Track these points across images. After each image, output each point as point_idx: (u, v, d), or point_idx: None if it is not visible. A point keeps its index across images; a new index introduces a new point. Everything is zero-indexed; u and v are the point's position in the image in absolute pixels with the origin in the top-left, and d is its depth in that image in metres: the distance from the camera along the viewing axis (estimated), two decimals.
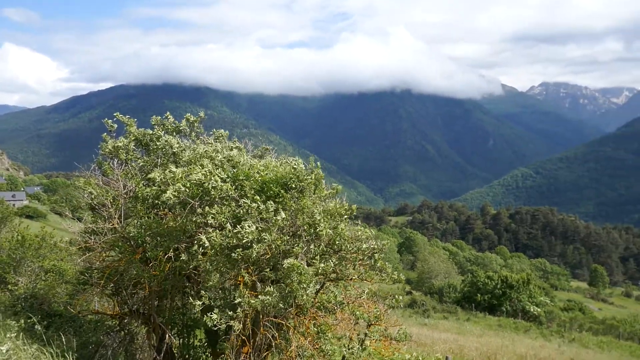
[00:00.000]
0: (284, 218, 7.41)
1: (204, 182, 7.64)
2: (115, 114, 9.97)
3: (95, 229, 8.97)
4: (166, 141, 9.36)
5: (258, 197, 7.49)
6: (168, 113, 10.34)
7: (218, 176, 7.77)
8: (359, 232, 8.13)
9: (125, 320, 9.97)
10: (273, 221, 7.33)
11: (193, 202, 7.71)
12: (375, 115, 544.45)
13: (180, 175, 7.80)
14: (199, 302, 7.38)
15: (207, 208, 7.57)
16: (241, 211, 7.57)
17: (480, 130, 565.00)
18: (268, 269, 7.72)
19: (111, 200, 8.99)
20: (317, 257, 7.67)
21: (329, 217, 7.98)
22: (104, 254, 9.12)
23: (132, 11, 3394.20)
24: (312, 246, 7.81)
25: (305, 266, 7.21)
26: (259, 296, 7.23)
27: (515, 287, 45.53)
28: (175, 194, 7.61)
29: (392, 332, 8.51)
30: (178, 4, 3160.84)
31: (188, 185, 7.69)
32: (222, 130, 10.21)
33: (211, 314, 7.20)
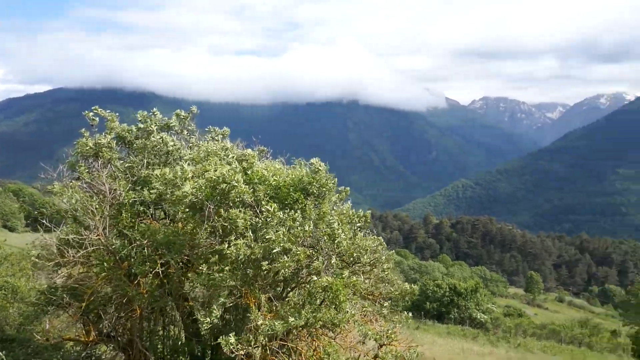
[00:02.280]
0: (310, 229, 6.55)
1: (224, 182, 6.54)
2: (94, 108, 8.65)
3: (75, 240, 7.67)
4: (161, 138, 8.19)
5: (274, 204, 6.58)
6: (155, 109, 9.16)
7: (239, 176, 6.69)
8: (373, 242, 7.38)
9: (98, 347, 8.78)
10: (299, 232, 6.43)
11: (208, 204, 6.63)
12: (323, 125, 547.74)
13: (191, 174, 6.68)
14: (207, 320, 6.56)
15: (225, 212, 6.45)
16: (260, 220, 6.59)
17: (424, 142, 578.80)
18: (288, 287, 6.89)
19: (96, 207, 7.71)
20: (346, 272, 6.88)
21: (347, 225, 7.19)
22: (81, 270, 7.94)
23: (77, 12, 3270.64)
24: (333, 260, 6.87)
25: (338, 283, 6.40)
26: (285, 317, 6.30)
27: (463, 295, 46.80)
28: (194, 190, 6.55)
29: (400, 351, 7.63)
30: (125, 6, 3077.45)
31: (203, 184, 6.61)
32: (226, 128, 9.06)
33: (226, 336, 6.24)
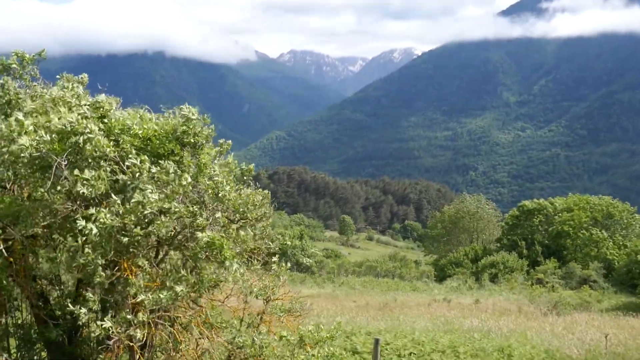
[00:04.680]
0: (189, 182, 5.87)
1: (74, 133, 5.48)
2: None
3: None
4: (5, 86, 6.70)
5: (145, 157, 5.78)
6: None
7: (93, 125, 5.66)
8: (257, 196, 6.92)
9: None
10: (176, 187, 5.76)
11: (58, 160, 5.52)
12: (127, 79, 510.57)
13: (31, 127, 5.37)
14: (83, 310, 5.57)
15: (77, 172, 5.42)
16: (126, 177, 5.75)
17: (236, 96, 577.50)
18: (169, 249, 6.24)
19: None
20: (233, 226, 6.47)
21: (230, 179, 6.66)
22: None
23: None
24: (218, 215, 6.37)
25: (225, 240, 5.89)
26: (170, 287, 5.70)
27: (290, 244, 48.93)
28: (35, 144, 5.32)
29: (287, 304, 7.66)
30: None
31: (47, 135, 5.43)
32: (85, 74, 7.48)
33: (99, 321, 5.51)
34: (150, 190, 5.54)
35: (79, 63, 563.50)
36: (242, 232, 6.55)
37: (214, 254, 5.80)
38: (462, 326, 18.20)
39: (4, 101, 6.71)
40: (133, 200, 5.52)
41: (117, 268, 5.94)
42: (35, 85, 7.24)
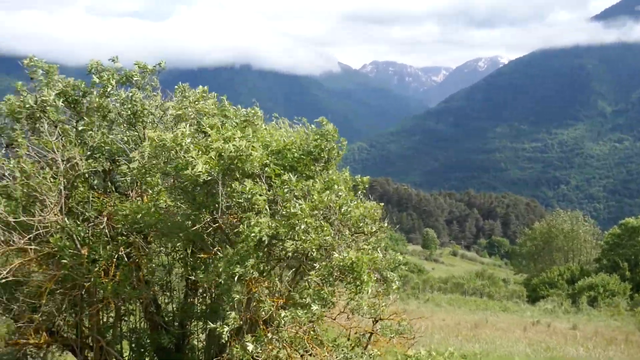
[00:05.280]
0: (330, 199, 5.79)
1: (240, 156, 5.59)
2: (30, 56, 7.19)
3: (18, 221, 6.28)
4: (132, 97, 6.78)
5: (284, 172, 5.82)
6: (117, 56, 7.62)
7: (257, 144, 5.82)
8: (377, 210, 6.70)
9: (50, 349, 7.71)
10: (317, 203, 5.66)
11: (217, 179, 5.62)
12: (217, 91, 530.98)
13: (214, 140, 5.51)
14: (226, 329, 5.45)
15: (237, 185, 5.50)
16: (277, 192, 5.78)
17: (319, 106, 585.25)
18: (306, 267, 6.07)
19: (51, 181, 6.43)
20: (367, 246, 6.27)
21: (351, 193, 6.54)
22: (26, 258, 6.56)
23: None
24: (347, 232, 6.24)
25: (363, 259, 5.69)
26: (307, 305, 5.68)
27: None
28: (207, 167, 5.54)
29: (394, 325, 7.35)
30: None
31: (215, 157, 5.61)
32: (202, 87, 7.74)
33: (241, 343, 5.37)
34: (301, 205, 5.57)
35: (174, 76, 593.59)
36: (375, 252, 6.43)
37: (353, 275, 5.64)
38: (566, 354, 17.22)
39: (129, 112, 6.94)
40: (290, 211, 5.54)
41: (248, 284, 5.91)
42: (155, 95, 7.58)
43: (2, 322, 8.69)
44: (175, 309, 7.93)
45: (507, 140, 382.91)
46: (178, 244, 6.72)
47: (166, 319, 8.08)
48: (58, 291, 6.88)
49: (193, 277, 7.00)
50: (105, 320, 8.11)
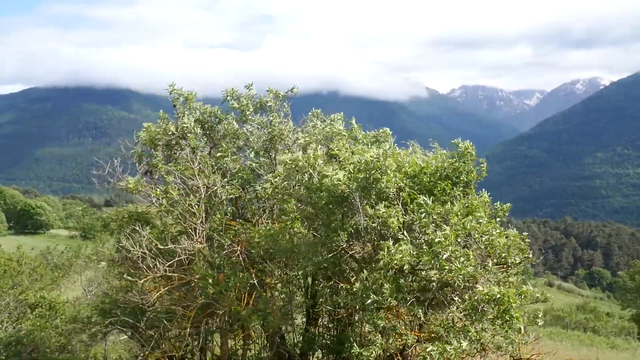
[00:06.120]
0: (472, 225, 5.35)
1: (374, 168, 5.27)
2: (170, 84, 7.53)
3: (158, 248, 6.37)
4: (275, 122, 6.71)
5: (428, 197, 5.41)
6: (252, 82, 7.81)
7: (391, 160, 5.45)
8: (524, 240, 6.09)
9: None
10: (461, 230, 5.24)
11: (354, 196, 5.42)
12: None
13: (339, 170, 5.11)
14: (373, 353, 5.12)
15: (374, 207, 5.13)
16: (415, 216, 5.36)
17: (407, 132, 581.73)
18: (445, 298, 5.64)
19: (196, 207, 6.54)
20: (514, 279, 5.77)
21: (492, 220, 5.95)
22: (163, 284, 6.61)
23: (46, 9, 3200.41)
24: (490, 263, 5.71)
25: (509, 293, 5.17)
26: (446, 339, 5.21)
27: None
28: (345, 179, 5.34)
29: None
30: (96, 1, 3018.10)
31: (353, 170, 5.33)
32: (336, 114, 8.11)
33: None
34: (445, 231, 5.18)
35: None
36: (524, 286, 5.91)
37: (501, 311, 5.14)
38: None
39: (266, 137, 6.98)
40: (432, 239, 5.16)
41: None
42: (286, 121, 7.72)
43: (126, 346, 8.77)
44: (296, 339, 7.65)
45: (609, 165, 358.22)
46: (300, 272, 6.51)
47: (288, 347, 7.87)
48: (193, 318, 6.89)
49: (324, 306, 6.77)
50: (231, 346, 8.05)
